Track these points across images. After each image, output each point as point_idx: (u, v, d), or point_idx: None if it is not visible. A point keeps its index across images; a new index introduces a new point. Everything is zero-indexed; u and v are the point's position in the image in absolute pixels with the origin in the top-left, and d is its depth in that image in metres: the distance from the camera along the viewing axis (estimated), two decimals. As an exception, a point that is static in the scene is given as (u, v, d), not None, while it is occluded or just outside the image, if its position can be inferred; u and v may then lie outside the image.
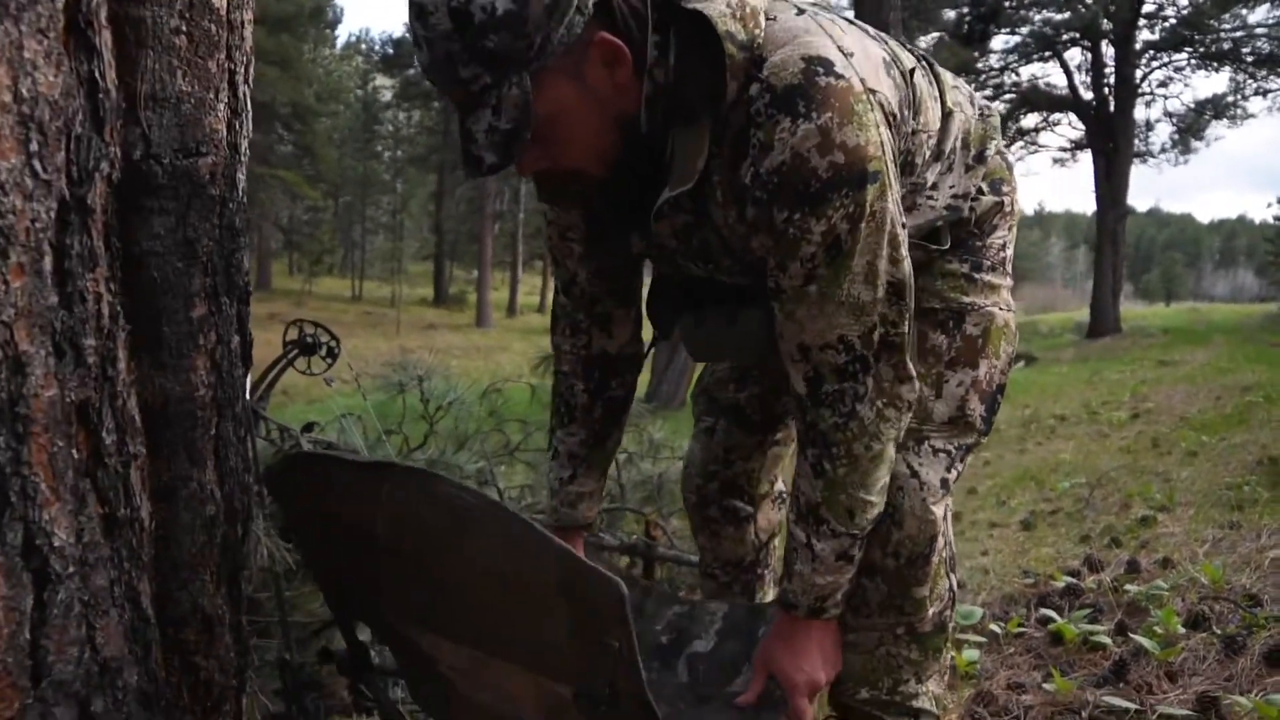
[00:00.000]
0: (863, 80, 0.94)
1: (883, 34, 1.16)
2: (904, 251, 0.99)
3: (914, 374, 1.05)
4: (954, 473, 1.20)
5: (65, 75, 0.71)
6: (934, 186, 1.18)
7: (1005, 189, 1.26)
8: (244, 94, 1.08)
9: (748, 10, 0.95)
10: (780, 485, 1.62)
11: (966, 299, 1.23)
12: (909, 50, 1.21)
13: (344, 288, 37.91)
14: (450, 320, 28.56)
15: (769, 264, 1.00)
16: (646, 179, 1.03)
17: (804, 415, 1.08)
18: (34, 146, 0.67)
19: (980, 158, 1.22)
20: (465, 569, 0.84)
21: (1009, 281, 1.28)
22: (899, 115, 1.01)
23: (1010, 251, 1.28)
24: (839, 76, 0.91)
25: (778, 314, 1.03)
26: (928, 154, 1.13)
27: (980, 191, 1.24)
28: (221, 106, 1.04)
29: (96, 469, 0.78)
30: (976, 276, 1.23)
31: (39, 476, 0.69)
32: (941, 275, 1.23)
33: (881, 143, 0.94)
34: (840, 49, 0.95)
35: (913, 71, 1.10)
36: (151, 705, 0.86)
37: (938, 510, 1.16)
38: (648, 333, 1.39)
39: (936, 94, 1.16)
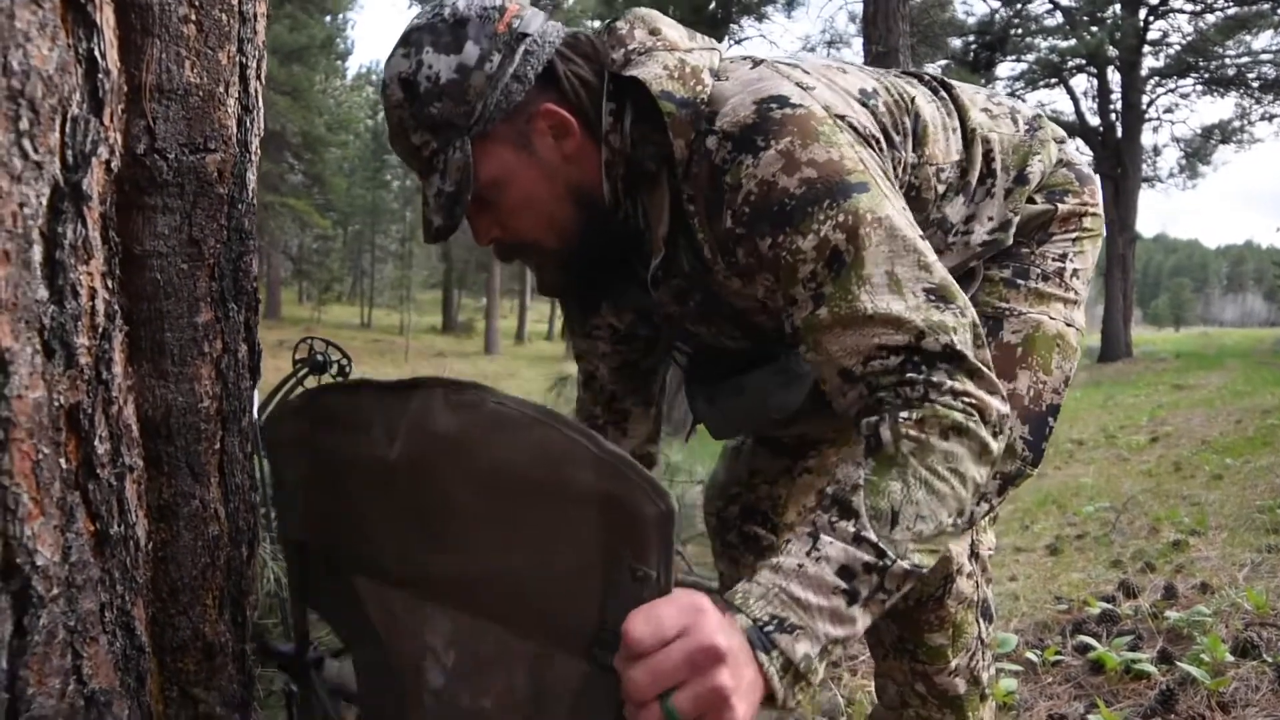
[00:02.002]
0: (826, 108, 0.92)
1: (881, 70, 1.12)
2: (931, 257, 0.87)
3: (1000, 388, 0.85)
4: (984, 505, 1.04)
5: (61, 50, 0.65)
6: (969, 220, 1.10)
7: (1068, 199, 1.15)
8: (256, 90, 1.03)
9: (688, 69, 0.95)
10: None
11: (1004, 304, 1.11)
12: (921, 78, 1.17)
13: (353, 315, 38.06)
14: (459, 348, 28.58)
15: (782, 307, 0.91)
16: (633, 248, 1.02)
17: (868, 417, 0.86)
18: (24, 124, 0.61)
19: (1022, 178, 1.12)
20: (485, 484, 0.72)
21: (1072, 296, 1.14)
22: (881, 140, 0.98)
23: (1075, 266, 1.15)
24: (795, 106, 0.89)
25: (810, 359, 0.89)
26: (942, 188, 1.07)
27: (1029, 200, 1.14)
28: (232, 101, 0.98)
29: (87, 481, 0.71)
30: (1020, 283, 1.12)
31: (21, 487, 0.63)
32: (979, 282, 1.13)
33: (861, 159, 0.89)
34: (799, 84, 0.94)
35: (913, 100, 1.05)
36: (145, 741, 0.79)
37: (955, 547, 1.04)
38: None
39: (955, 124, 1.11)
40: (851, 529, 0.76)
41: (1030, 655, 1.96)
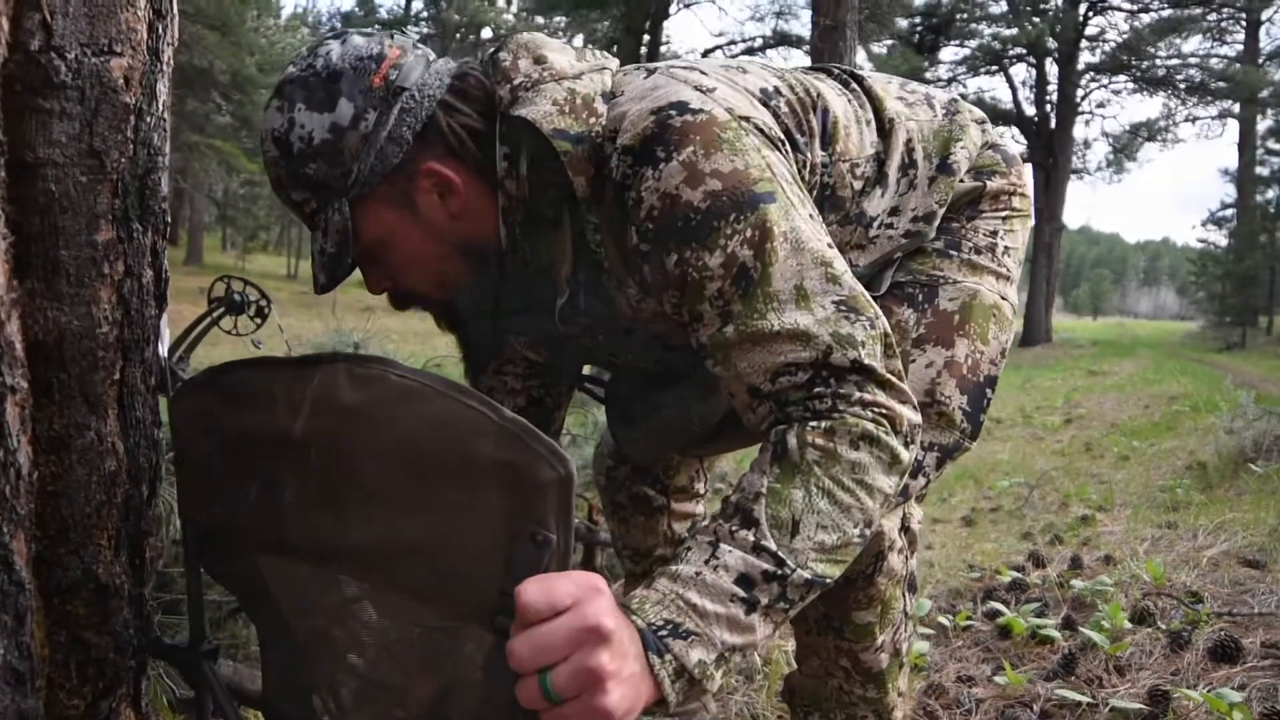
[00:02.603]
0: (730, 110, 0.88)
1: (784, 68, 1.09)
2: (840, 268, 0.85)
3: (912, 398, 0.84)
4: (920, 480, 1.02)
5: (-66, -85, 0.58)
6: (893, 213, 1.08)
7: (995, 178, 1.13)
8: (168, -6, 0.95)
9: (579, 101, 0.91)
10: (702, 486, 1.49)
11: (939, 273, 1.09)
12: (829, 71, 1.13)
13: (279, 265, 36.82)
14: (389, 304, 27.93)
15: (687, 323, 0.88)
16: (538, 287, 0.99)
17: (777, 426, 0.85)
18: (-112, -6, 0.55)
19: (945, 167, 1.09)
20: (390, 456, 0.73)
21: (1004, 271, 1.12)
22: (787, 141, 0.95)
23: (1006, 243, 1.13)
24: (696, 112, 0.85)
25: (718, 374, 0.87)
26: (859, 184, 1.04)
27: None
28: (142, 3, 0.91)
29: (-39, 399, 0.65)
30: (953, 253, 1.10)
31: (-118, 400, 0.57)
32: (912, 254, 1.12)
33: (768, 165, 0.86)
34: (698, 88, 0.90)
35: (819, 95, 1.02)
36: (23, 684, 0.73)
37: (886, 523, 1.01)
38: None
39: (869, 115, 1.07)
40: (751, 538, 0.74)
41: (943, 620, 2.01)
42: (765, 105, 0.96)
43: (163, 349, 1.05)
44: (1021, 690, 1.61)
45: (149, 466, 1.01)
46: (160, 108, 0.96)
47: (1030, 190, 1.20)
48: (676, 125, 0.84)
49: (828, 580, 0.77)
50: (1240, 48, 22.46)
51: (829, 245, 0.86)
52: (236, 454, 0.86)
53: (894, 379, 0.83)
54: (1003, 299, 1.11)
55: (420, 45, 0.96)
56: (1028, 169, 1.24)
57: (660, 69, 0.96)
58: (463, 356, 1.27)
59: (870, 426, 0.79)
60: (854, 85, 1.11)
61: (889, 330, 0.84)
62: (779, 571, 0.74)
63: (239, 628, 1.66)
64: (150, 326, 0.99)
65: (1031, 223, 1.20)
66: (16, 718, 0.74)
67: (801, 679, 1.16)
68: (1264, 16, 21.74)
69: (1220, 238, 26.47)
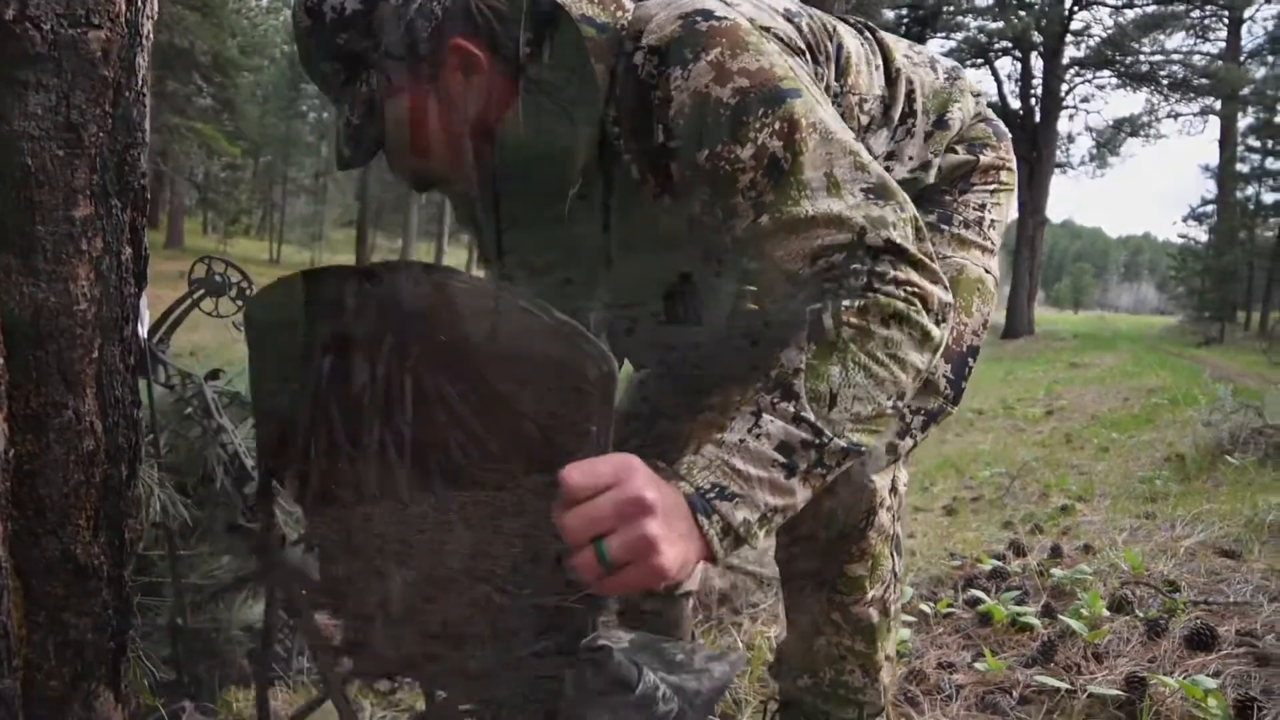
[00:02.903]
0: (751, 20, 0.92)
1: (805, 7, 1.12)
2: (866, 156, 0.89)
3: (943, 278, 0.88)
4: (908, 440, 1.09)
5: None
6: (890, 157, 1.13)
7: (987, 153, 1.20)
8: (148, -34, 0.94)
9: None
10: None
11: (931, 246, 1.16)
12: (845, 19, 1.17)
13: (261, 250, 36.48)
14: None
15: (720, 221, 0.91)
16: (550, 179, 1.01)
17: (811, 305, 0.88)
18: None
19: (942, 122, 1.16)
20: (449, 357, 0.79)
21: (989, 245, 1.18)
22: (807, 53, 1.00)
23: (992, 217, 1.19)
24: (720, 19, 0.89)
25: (754, 268, 0.91)
26: (865, 119, 1.09)
27: (951, 150, 1.18)
28: (119, -25, 0.89)
29: (-65, 374, 0.64)
30: (944, 228, 1.16)
31: None
32: None
33: (790, 66, 0.90)
34: (723, 1, 0.94)
35: (835, 29, 1.06)
36: (0, 664, 0.72)
37: (879, 480, 1.07)
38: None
39: (879, 61, 1.12)
40: (791, 409, 0.80)
41: (924, 607, 2.02)
42: (789, 21, 1.01)
43: (142, 330, 1.03)
44: (1001, 676, 1.62)
45: (128, 447, 0.99)
46: (140, 83, 0.94)
47: (1015, 164, 1.26)
48: (703, 29, 0.87)
49: (862, 448, 0.84)
50: (1222, 45, 22.66)
51: (854, 137, 0.90)
52: (303, 359, 0.89)
53: (926, 259, 0.87)
54: (986, 272, 1.17)
55: None
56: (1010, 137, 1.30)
57: None
58: (478, 246, 1.28)
59: (901, 305, 0.83)
60: (866, 33, 1.16)
61: (918, 215, 0.88)
62: (817, 440, 0.80)
63: (220, 610, 1.66)
64: (129, 305, 0.97)
65: (1015, 195, 1.26)
66: (-8, 699, 0.73)
67: (791, 642, 1.18)
68: (1246, 14, 21.94)
69: (1200, 233, 26.74)
